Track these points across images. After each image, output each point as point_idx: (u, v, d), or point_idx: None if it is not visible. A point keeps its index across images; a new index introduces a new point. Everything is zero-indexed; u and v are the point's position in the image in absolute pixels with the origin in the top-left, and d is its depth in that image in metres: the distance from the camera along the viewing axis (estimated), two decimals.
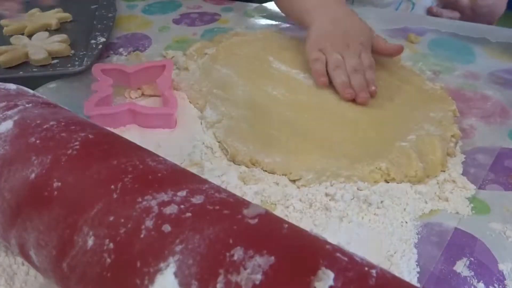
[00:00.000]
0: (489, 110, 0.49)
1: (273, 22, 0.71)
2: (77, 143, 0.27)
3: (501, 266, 0.32)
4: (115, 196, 0.24)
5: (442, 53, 0.62)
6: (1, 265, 0.30)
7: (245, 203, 0.24)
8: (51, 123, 0.29)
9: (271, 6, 0.76)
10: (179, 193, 0.24)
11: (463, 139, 0.45)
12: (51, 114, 0.31)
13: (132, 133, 0.44)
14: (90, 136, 0.28)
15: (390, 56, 0.55)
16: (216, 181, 0.38)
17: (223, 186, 0.38)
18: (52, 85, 0.51)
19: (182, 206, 0.23)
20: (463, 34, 0.65)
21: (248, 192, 0.37)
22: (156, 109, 0.47)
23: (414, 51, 0.63)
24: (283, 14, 0.69)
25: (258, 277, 0.19)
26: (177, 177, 0.26)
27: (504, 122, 0.47)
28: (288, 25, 0.71)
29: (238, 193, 0.37)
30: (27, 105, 0.32)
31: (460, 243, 0.33)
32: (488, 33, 0.64)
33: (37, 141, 0.28)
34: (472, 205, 0.37)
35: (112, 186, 0.24)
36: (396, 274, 0.22)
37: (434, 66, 0.59)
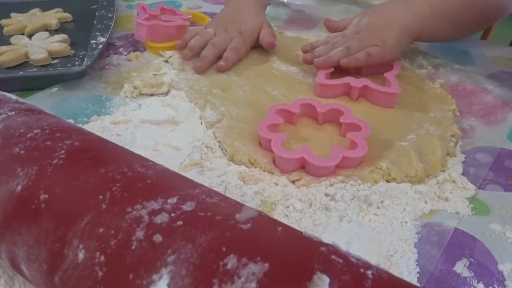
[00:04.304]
0: (490, 104, 0.49)
1: (273, 22, 0.71)
2: (62, 151, 0.27)
3: (500, 267, 0.32)
4: (104, 206, 0.23)
5: (440, 54, 0.62)
6: (1, 266, 0.30)
7: (237, 207, 0.24)
8: (35, 131, 0.29)
9: (271, 5, 0.76)
10: (170, 200, 0.23)
11: (463, 139, 0.45)
12: (35, 122, 0.30)
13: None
14: (76, 143, 0.28)
15: (265, 46, 0.61)
16: (216, 181, 0.38)
17: (223, 186, 0.38)
18: (53, 89, 0.51)
19: (173, 214, 0.23)
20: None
21: (248, 192, 0.37)
22: (383, 87, 0.50)
23: (414, 50, 0.63)
24: (283, 13, 0.68)
25: (253, 285, 0.19)
26: (167, 182, 0.26)
27: (504, 122, 0.47)
28: (288, 25, 0.71)
29: (238, 193, 0.37)
30: (9, 113, 0.31)
31: (460, 244, 0.33)
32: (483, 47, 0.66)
33: (22, 152, 0.27)
34: (472, 205, 0.37)
35: (101, 196, 0.24)
36: (396, 274, 0.22)
37: (434, 60, 0.59)
